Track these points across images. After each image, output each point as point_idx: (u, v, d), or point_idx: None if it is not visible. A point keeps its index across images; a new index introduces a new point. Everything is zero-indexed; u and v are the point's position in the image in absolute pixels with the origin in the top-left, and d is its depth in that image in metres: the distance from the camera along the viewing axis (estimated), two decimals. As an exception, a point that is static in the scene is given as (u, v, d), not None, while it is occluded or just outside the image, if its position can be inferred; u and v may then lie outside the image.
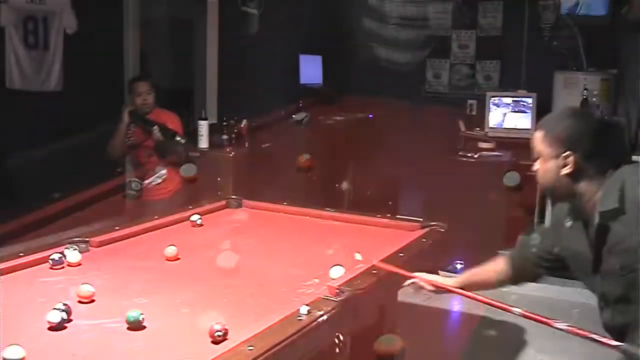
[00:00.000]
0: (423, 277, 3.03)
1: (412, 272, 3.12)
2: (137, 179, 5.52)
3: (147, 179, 5.58)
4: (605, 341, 2.25)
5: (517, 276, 2.95)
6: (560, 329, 2.34)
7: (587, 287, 2.60)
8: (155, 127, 5.37)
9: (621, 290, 2.37)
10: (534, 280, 2.98)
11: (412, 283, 3.07)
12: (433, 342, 5.18)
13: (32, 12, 6.29)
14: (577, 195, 2.44)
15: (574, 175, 2.41)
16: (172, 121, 5.65)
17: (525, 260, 2.88)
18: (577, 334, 2.31)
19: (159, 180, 5.58)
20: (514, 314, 2.47)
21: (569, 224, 2.57)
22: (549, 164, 2.46)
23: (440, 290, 3.03)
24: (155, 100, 5.59)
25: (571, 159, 2.39)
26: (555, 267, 2.78)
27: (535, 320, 2.49)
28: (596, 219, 2.37)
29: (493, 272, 3.00)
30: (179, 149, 5.51)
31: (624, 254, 2.32)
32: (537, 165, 2.52)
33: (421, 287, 3.02)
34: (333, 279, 2.94)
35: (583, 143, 2.39)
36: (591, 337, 2.28)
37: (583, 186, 2.41)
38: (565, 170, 2.41)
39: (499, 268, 2.98)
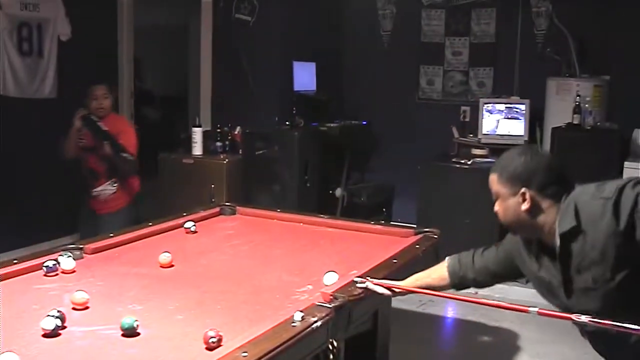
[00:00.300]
0: (374, 281, 3.01)
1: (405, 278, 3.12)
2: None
3: (98, 186, 5.32)
4: (630, 327, 2.27)
5: (458, 285, 3.01)
6: (584, 322, 2.36)
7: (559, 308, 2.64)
8: (106, 142, 5.14)
9: (600, 304, 2.41)
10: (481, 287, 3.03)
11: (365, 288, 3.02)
12: (427, 348, 5.19)
13: (26, 20, 6.31)
14: (539, 228, 2.51)
15: (533, 210, 2.48)
16: (126, 131, 5.38)
17: (467, 270, 2.94)
18: (601, 324, 2.33)
19: (110, 191, 5.33)
20: (530, 313, 2.48)
21: (533, 260, 2.63)
22: (507, 203, 2.53)
23: (395, 291, 3.02)
24: (112, 105, 5.40)
25: (527, 194, 2.47)
26: (502, 280, 2.91)
27: (554, 317, 2.51)
28: (557, 242, 2.44)
29: (435, 279, 3.02)
30: (125, 166, 5.23)
31: (593, 268, 2.39)
32: (496, 207, 2.60)
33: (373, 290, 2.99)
34: (327, 285, 2.94)
35: (535, 177, 2.47)
36: (617, 326, 2.29)
37: (542, 218, 2.48)
38: (524, 206, 2.48)
39: (440, 275, 3.02)
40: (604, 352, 2.62)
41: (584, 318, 2.37)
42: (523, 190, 2.47)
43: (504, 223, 2.62)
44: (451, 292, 3.01)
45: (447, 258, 3.06)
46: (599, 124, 6.76)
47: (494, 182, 2.57)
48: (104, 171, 5.29)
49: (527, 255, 2.66)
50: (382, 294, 2.99)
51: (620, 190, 2.33)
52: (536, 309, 2.48)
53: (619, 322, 2.29)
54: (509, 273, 2.85)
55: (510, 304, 2.68)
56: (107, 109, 5.31)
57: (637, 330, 2.25)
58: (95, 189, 5.32)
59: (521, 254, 2.70)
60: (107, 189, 5.32)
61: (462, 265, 2.97)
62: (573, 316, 2.40)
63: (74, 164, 5.40)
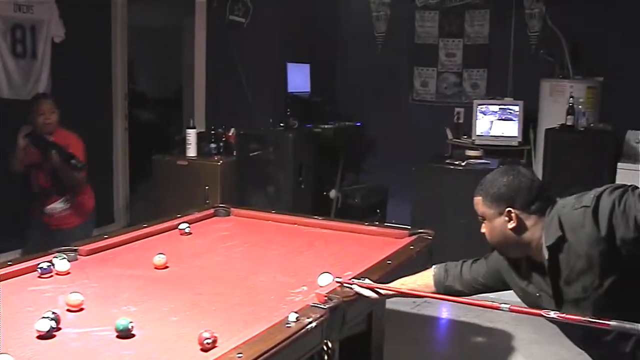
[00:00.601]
0: (358, 282, 3.01)
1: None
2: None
3: (49, 204, 5.22)
4: (598, 322, 2.29)
5: (442, 294, 3.03)
6: (553, 318, 2.40)
7: (556, 325, 2.67)
8: (54, 150, 5.03)
9: (592, 311, 2.44)
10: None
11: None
12: (422, 349, 5.20)
13: (19, 21, 6.29)
14: (527, 246, 2.56)
15: (519, 228, 2.53)
16: (75, 144, 5.21)
17: (454, 281, 2.96)
18: (570, 320, 2.38)
19: (62, 208, 5.23)
20: (502, 310, 2.52)
21: (524, 282, 2.68)
22: (494, 224, 2.58)
23: (381, 293, 3.02)
24: (58, 120, 5.19)
25: (513, 213, 2.52)
26: (490, 291, 2.94)
27: (525, 313, 2.58)
28: (545, 256, 2.49)
29: (420, 286, 3.04)
30: (76, 174, 5.09)
31: (581, 277, 2.44)
32: (483, 228, 2.65)
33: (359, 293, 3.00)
34: (321, 287, 2.95)
35: (519, 196, 2.52)
36: (585, 320, 2.32)
37: (529, 235, 2.53)
38: (510, 225, 2.53)
39: (426, 283, 3.04)
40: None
41: (553, 314, 2.41)
42: (508, 209, 2.52)
43: (492, 244, 2.67)
44: (430, 292, 3.01)
45: (433, 266, 3.08)
46: (592, 125, 6.79)
47: (479, 204, 2.62)
48: (54, 188, 5.20)
49: (515, 273, 2.71)
50: (367, 297, 2.99)
51: (598, 197, 2.37)
52: (508, 306, 2.53)
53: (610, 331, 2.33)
54: (498, 286, 2.88)
55: (482, 301, 2.70)
56: (54, 123, 5.15)
57: (605, 324, 2.27)
58: (47, 207, 5.22)
59: (508, 269, 2.75)
60: (58, 206, 5.24)
61: (448, 275, 2.99)
62: (543, 312, 2.44)
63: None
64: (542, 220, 2.51)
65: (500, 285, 2.85)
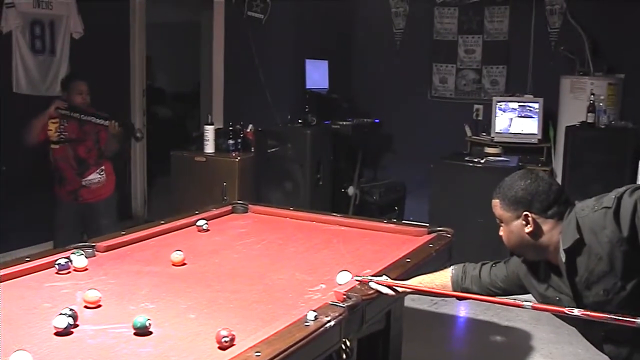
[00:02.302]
0: (376, 280, 3.00)
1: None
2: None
3: (88, 175, 5.44)
4: (623, 319, 2.27)
5: (458, 297, 3.04)
6: (576, 316, 2.38)
7: (574, 327, 2.69)
8: (113, 121, 5.30)
9: (616, 312, 2.40)
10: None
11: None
12: (440, 347, 5.17)
13: (39, 17, 6.31)
14: (544, 249, 2.56)
15: (536, 232, 2.53)
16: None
17: (471, 283, 2.95)
18: (594, 317, 2.35)
19: (98, 178, 5.48)
20: (525, 308, 2.50)
21: (544, 285, 2.67)
22: (511, 227, 2.59)
23: (398, 291, 3.00)
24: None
25: (530, 217, 2.52)
26: (507, 295, 2.91)
27: (548, 311, 2.56)
28: (563, 259, 2.48)
29: (438, 286, 3.03)
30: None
31: (603, 280, 2.42)
32: (501, 231, 2.65)
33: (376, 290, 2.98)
34: (340, 285, 2.93)
35: (536, 200, 2.52)
36: (609, 318, 2.30)
37: (546, 239, 2.53)
38: (527, 229, 2.53)
39: (443, 283, 3.03)
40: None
41: (576, 311, 2.39)
42: (525, 213, 2.52)
43: (509, 247, 2.67)
44: (449, 290, 3.01)
45: (451, 267, 3.07)
46: (613, 122, 6.74)
47: (497, 207, 2.62)
48: (93, 159, 5.43)
49: (534, 278, 2.70)
50: (385, 294, 2.97)
51: (619, 198, 2.35)
52: (530, 304, 2.52)
53: (634, 332, 2.30)
54: (515, 291, 2.86)
55: (505, 299, 2.70)
56: (88, 103, 5.40)
57: (631, 322, 2.25)
58: (85, 179, 5.42)
59: (528, 274, 2.74)
60: (95, 177, 5.46)
61: (466, 277, 2.98)
62: (566, 309, 2.42)
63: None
64: (559, 224, 2.50)
65: (518, 290, 2.84)
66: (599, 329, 2.52)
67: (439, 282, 3.03)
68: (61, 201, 5.48)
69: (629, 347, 2.49)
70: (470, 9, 7.97)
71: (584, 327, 2.62)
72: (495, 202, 2.62)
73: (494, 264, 2.95)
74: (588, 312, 2.37)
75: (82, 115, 5.28)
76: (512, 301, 2.64)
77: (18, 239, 5.94)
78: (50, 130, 5.32)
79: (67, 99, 5.34)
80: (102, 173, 5.49)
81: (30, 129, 5.28)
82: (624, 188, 2.39)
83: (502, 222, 2.63)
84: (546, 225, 2.51)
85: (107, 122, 5.28)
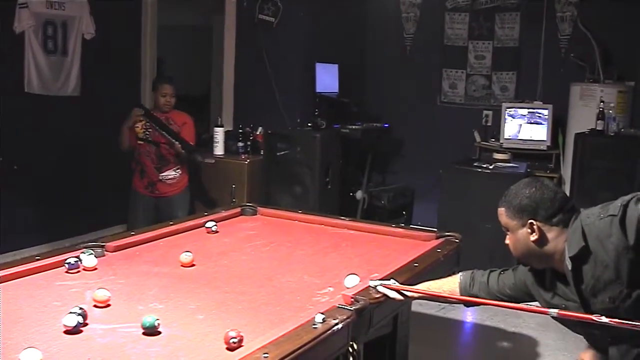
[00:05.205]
0: (385, 284, 3.01)
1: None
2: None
3: (165, 171, 5.82)
4: None
5: (467, 302, 3.08)
6: (605, 323, 2.37)
7: (582, 334, 2.70)
8: (177, 142, 5.75)
9: (623, 317, 2.41)
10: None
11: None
12: (446, 352, 5.17)
13: (51, 18, 6.34)
14: (549, 257, 2.57)
15: (541, 240, 2.54)
16: (189, 123, 5.96)
17: (480, 290, 2.97)
18: (624, 325, 2.34)
19: (174, 175, 5.87)
20: (551, 315, 2.50)
21: (549, 294, 2.68)
22: (517, 235, 2.60)
23: (407, 295, 3.01)
24: (175, 103, 5.90)
25: (535, 225, 2.53)
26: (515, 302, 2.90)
27: (575, 317, 2.53)
28: (569, 267, 2.48)
29: (446, 292, 3.05)
30: (192, 161, 5.98)
31: (609, 288, 2.42)
32: (507, 240, 2.67)
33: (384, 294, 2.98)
34: (348, 288, 2.94)
35: (541, 208, 2.53)
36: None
37: (552, 246, 2.54)
38: (533, 237, 2.54)
39: (452, 289, 3.05)
40: None
41: (605, 319, 2.37)
42: (530, 221, 2.53)
43: (516, 256, 2.68)
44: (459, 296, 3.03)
45: (460, 273, 3.08)
46: (622, 130, 6.73)
47: (503, 215, 2.64)
48: (173, 159, 5.84)
49: (541, 286, 2.71)
50: (393, 299, 2.98)
51: (625, 206, 2.35)
52: (556, 311, 2.51)
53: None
54: (523, 298, 2.86)
55: (530, 306, 2.70)
56: (172, 105, 5.85)
57: None
58: (162, 174, 5.82)
59: (534, 283, 2.75)
60: (171, 174, 5.85)
61: (474, 283, 2.99)
62: (594, 317, 2.41)
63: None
64: (565, 232, 2.50)
65: (526, 297, 2.84)
66: (607, 335, 2.53)
67: (447, 287, 3.05)
68: (138, 192, 5.87)
69: (627, 345, 2.50)
70: (481, 14, 7.97)
71: (591, 334, 2.62)
72: (501, 211, 2.64)
73: (502, 271, 2.96)
74: (617, 320, 2.35)
75: (155, 126, 5.74)
76: (536, 308, 2.65)
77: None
78: (137, 127, 5.76)
79: (153, 98, 5.92)
80: (177, 170, 5.88)
81: (120, 136, 5.72)
82: (630, 196, 2.39)
83: (508, 231, 2.64)
84: (551, 233, 2.52)
85: (173, 141, 5.74)
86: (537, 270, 2.71)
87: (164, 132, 5.73)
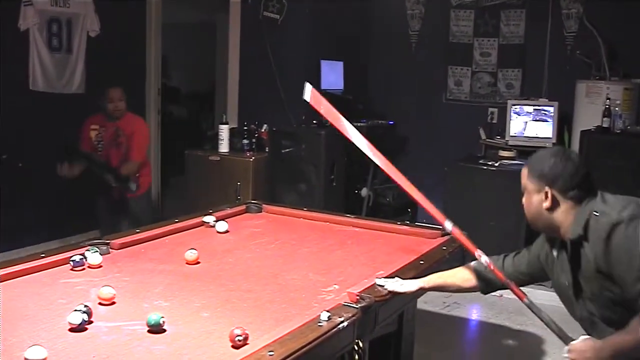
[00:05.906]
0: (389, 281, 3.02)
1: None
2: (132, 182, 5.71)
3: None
4: None
5: (485, 288, 3.11)
6: (528, 305, 2.56)
7: (571, 314, 2.76)
8: (110, 175, 5.60)
9: (601, 311, 2.53)
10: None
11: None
12: (451, 350, 5.17)
13: (56, 15, 6.35)
14: (557, 226, 2.61)
15: (553, 209, 2.59)
16: (140, 129, 5.81)
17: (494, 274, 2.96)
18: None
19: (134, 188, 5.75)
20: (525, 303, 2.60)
21: (555, 253, 2.74)
22: (531, 198, 2.66)
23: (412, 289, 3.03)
24: (126, 107, 5.73)
25: (549, 193, 2.58)
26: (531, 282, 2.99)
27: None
28: (568, 247, 2.57)
29: (459, 279, 3.12)
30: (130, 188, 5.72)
31: (598, 276, 2.49)
32: (523, 199, 2.72)
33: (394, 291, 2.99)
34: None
35: (560, 180, 2.57)
36: None
37: (561, 218, 2.59)
38: (545, 204, 2.59)
39: (465, 276, 3.11)
40: None
41: (527, 300, 2.60)
42: (546, 189, 2.58)
43: (526, 216, 2.73)
44: (470, 285, 3.11)
45: (473, 262, 3.10)
46: (629, 127, 6.69)
47: (524, 175, 2.69)
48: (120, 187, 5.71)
49: (551, 250, 2.76)
50: (403, 293, 2.99)
51: (615, 225, 2.41)
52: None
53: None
54: (539, 275, 2.92)
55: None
56: (123, 110, 5.69)
57: None
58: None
59: (547, 257, 2.80)
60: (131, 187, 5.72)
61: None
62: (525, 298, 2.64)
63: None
64: (576, 208, 2.55)
65: (542, 273, 2.90)
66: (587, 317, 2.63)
67: (461, 275, 3.12)
68: (99, 196, 5.80)
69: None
70: (486, 11, 7.94)
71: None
72: (524, 171, 2.69)
73: (516, 253, 3.03)
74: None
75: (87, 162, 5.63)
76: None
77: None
78: (91, 137, 5.70)
79: (103, 107, 5.67)
80: (134, 183, 5.72)
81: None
82: (631, 210, 2.43)
83: (525, 191, 2.69)
84: (564, 205, 2.57)
85: (109, 176, 5.60)
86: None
87: (93, 168, 5.63)
